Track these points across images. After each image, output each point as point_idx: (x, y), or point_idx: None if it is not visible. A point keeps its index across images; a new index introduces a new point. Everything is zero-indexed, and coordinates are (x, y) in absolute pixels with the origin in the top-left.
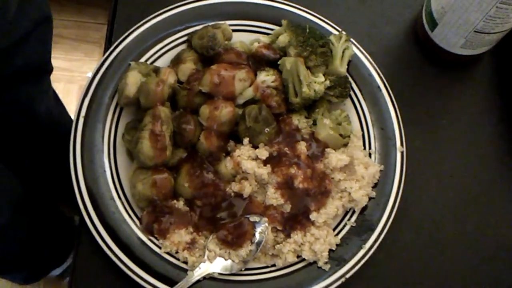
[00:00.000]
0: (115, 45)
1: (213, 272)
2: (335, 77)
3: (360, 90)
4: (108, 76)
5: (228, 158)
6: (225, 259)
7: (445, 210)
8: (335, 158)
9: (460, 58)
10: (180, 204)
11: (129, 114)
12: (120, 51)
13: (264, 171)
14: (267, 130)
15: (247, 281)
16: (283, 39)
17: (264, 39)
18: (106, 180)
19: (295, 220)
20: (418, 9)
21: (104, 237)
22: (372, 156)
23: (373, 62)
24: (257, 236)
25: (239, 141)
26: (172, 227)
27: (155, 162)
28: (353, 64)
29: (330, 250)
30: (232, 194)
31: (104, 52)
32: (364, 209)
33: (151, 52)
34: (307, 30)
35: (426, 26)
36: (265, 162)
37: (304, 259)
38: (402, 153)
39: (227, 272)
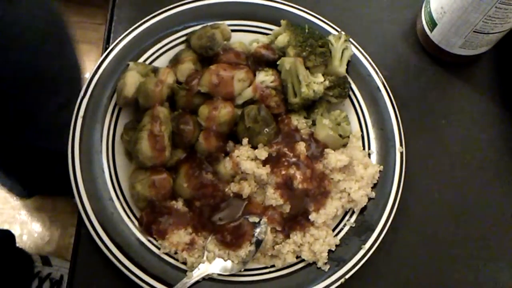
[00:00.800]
0: (113, 45)
1: (212, 273)
2: (334, 77)
3: (359, 91)
4: (106, 77)
5: (227, 158)
6: (224, 260)
7: (445, 210)
8: (335, 158)
9: (460, 58)
10: (179, 204)
11: (128, 115)
12: (119, 51)
13: (263, 172)
14: (266, 131)
15: (246, 282)
16: (282, 39)
17: (263, 39)
18: (105, 180)
19: (294, 220)
20: (417, 9)
21: (102, 238)
22: (372, 156)
23: (372, 62)
24: (257, 236)
25: (238, 142)
26: (171, 227)
27: (154, 162)
28: (352, 64)
29: (330, 251)
30: (231, 194)
31: (102, 53)
32: (363, 209)
33: (150, 52)
34: (306, 30)
35: (425, 26)
36: (264, 163)
37: (303, 260)
38: (401, 153)
39: (226, 273)
